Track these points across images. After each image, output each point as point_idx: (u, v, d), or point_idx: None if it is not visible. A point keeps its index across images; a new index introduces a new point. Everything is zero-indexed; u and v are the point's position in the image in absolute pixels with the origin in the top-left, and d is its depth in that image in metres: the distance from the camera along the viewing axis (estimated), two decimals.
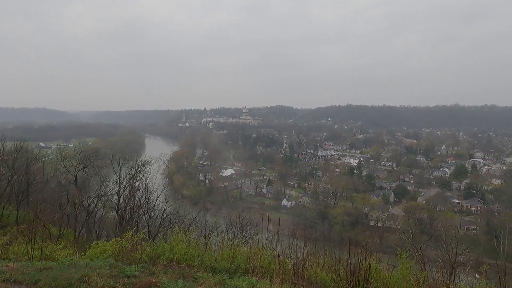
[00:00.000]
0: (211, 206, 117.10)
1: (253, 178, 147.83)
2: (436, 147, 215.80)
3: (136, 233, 13.85)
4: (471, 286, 9.14)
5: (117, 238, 12.19)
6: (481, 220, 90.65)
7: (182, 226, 18.05)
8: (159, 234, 23.80)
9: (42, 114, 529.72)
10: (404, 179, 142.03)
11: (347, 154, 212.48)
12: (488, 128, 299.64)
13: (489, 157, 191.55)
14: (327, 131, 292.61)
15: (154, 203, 28.69)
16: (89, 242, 15.02)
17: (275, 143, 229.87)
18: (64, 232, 20.15)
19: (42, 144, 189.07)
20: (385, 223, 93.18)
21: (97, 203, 28.29)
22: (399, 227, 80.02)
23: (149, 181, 31.15)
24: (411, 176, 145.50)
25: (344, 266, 8.67)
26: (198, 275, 8.50)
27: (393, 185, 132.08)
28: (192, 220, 29.49)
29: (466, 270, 11.22)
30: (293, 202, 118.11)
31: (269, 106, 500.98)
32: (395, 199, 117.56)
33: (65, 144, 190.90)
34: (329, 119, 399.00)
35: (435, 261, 11.55)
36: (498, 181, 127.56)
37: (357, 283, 7.98)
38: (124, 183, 30.78)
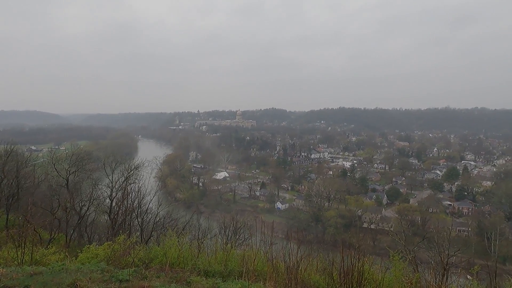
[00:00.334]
0: (205, 209, 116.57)
1: (247, 181, 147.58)
2: (428, 149, 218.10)
3: (129, 237, 13.73)
4: (462, 287, 9.22)
5: (109, 242, 12.06)
6: (472, 221, 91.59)
7: (175, 230, 17.93)
8: (152, 237, 23.63)
9: (33, 117, 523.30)
10: (396, 181, 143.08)
11: (340, 156, 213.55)
12: (478, 130, 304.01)
13: (480, 159, 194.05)
14: (320, 134, 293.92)
15: (147, 207, 28.50)
16: (80, 247, 14.84)
17: (269, 146, 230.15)
18: (55, 236, 19.88)
19: (33, 147, 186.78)
20: (378, 225, 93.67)
21: (89, 206, 28.00)
22: (392, 229, 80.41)
23: (142, 184, 30.95)
24: (404, 178, 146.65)
25: (338, 269, 8.69)
26: (191, 279, 8.44)
27: (386, 187, 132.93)
28: (186, 223, 29.34)
29: (458, 271, 11.34)
30: (287, 204, 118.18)
31: (262, 109, 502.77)
32: (388, 201, 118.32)
33: (57, 147, 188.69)
34: (322, 121, 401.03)
35: (428, 263, 11.65)
36: (489, 183, 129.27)
37: (350, 285, 8.01)
38: (116, 186, 30.53)
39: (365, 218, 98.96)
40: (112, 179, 31.38)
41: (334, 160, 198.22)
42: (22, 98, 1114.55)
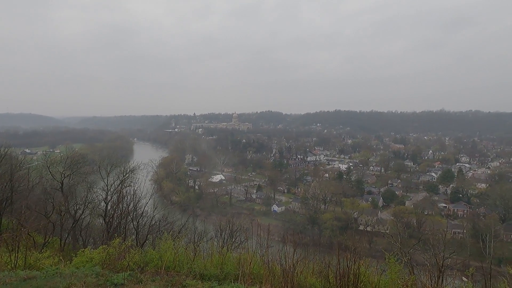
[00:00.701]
0: (201, 212, 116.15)
1: (243, 184, 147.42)
2: (423, 152, 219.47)
3: (124, 240, 13.63)
4: None
5: (104, 246, 11.97)
6: (467, 223, 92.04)
7: (171, 233, 17.84)
8: (147, 241, 23.49)
9: (27, 120, 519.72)
10: (392, 184, 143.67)
11: (336, 159, 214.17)
12: (473, 133, 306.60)
13: (474, 162, 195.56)
14: (316, 137, 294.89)
15: (142, 210, 28.36)
16: (75, 250, 14.71)
17: (265, 149, 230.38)
18: (49, 240, 19.68)
19: (27, 150, 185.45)
20: (374, 228, 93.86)
21: (84, 210, 27.79)
22: (387, 231, 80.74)
23: (137, 188, 30.77)
24: (399, 180, 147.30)
25: (334, 271, 8.69)
26: (186, 283, 8.40)
27: (382, 189, 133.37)
28: (181, 226, 29.25)
29: (453, 273, 11.38)
30: (283, 207, 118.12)
31: (258, 112, 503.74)
32: (384, 204, 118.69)
33: (51, 150, 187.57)
34: (318, 124, 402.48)
35: (423, 265, 11.68)
36: (484, 185, 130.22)
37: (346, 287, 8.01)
38: (111, 189, 30.34)
39: (361, 220, 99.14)
40: (107, 182, 31.19)
41: (330, 162, 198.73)
42: (16, 101, 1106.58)
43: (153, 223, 27.64)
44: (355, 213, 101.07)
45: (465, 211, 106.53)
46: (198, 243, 16.52)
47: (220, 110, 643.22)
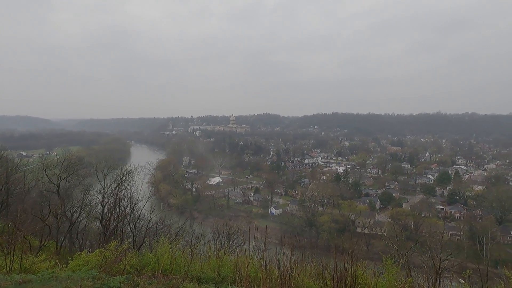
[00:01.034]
0: (198, 214, 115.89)
1: (241, 186, 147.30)
2: (420, 154, 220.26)
3: (121, 243, 13.57)
4: None
5: (100, 249, 11.90)
6: (464, 225, 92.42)
7: (168, 236, 17.79)
8: (144, 244, 23.38)
9: (23, 122, 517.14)
10: (389, 186, 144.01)
11: (333, 161, 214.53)
12: (469, 135, 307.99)
13: (471, 164, 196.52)
14: (313, 139, 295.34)
15: (139, 213, 28.24)
16: (71, 254, 14.60)
17: (262, 151, 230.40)
18: (45, 243, 19.55)
19: (23, 153, 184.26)
20: (372, 230, 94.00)
21: (80, 213, 27.61)
22: (385, 233, 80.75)
23: (134, 190, 30.68)
24: (396, 183, 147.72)
25: (331, 274, 8.67)
26: (184, 286, 8.37)
27: (379, 192, 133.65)
28: (179, 229, 29.13)
29: (451, 275, 11.40)
30: (281, 209, 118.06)
31: (256, 114, 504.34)
32: (381, 206, 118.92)
33: (48, 152, 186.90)
34: (315, 127, 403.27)
35: (421, 267, 11.69)
36: (480, 187, 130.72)
37: None
38: (108, 192, 30.14)
39: (359, 222, 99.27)
40: (104, 185, 30.99)
41: (328, 165, 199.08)
42: (13, 103, 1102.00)
43: (150, 226, 27.49)
44: (352, 216, 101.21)
45: (462, 213, 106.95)
46: (195, 246, 16.45)
47: (218, 112, 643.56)
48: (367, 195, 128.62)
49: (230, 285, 9.05)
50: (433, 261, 10.96)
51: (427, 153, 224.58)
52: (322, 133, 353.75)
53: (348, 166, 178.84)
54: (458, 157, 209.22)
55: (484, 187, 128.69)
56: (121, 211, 25.73)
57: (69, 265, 11.20)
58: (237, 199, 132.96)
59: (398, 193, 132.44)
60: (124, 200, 26.91)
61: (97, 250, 12.09)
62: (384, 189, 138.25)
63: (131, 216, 26.39)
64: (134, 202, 27.80)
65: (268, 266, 9.87)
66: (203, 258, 11.84)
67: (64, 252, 21.33)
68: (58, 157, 57.10)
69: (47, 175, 35.59)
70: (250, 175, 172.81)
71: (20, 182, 36.16)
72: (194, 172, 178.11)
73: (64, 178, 35.42)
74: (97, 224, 28.53)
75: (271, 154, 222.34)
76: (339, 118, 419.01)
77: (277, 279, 8.95)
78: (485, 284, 8.11)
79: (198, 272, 9.98)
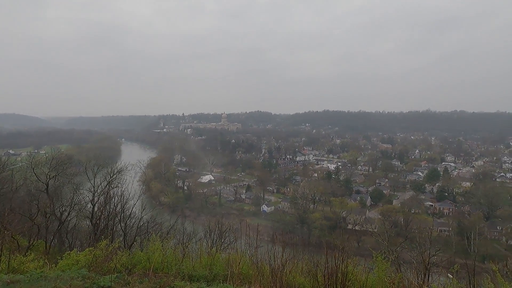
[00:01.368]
0: (190, 212, 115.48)
1: (232, 184, 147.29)
2: (410, 151, 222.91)
3: (111, 242, 13.45)
4: (444, 286, 9.42)
5: (90, 248, 11.78)
6: (452, 221, 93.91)
7: (159, 234, 17.70)
8: (135, 242, 23.22)
9: (11, 120, 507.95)
10: (380, 183, 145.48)
11: (325, 159, 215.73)
12: (458, 133, 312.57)
13: (459, 161, 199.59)
14: (305, 137, 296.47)
15: (130, 211, 28.00)
16: (61, 253, 14.42)
17: (254, 149, 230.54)
18: (34, 243, 19.26)
19: (11, 151, 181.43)
20: (363, 227, 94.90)
21: (70, 212, 27.24)
22: (375, 230, 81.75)
23: (125, 189, 30.36)
24: (387, 180, 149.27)
25: (322, 270, 8.74)
26: (175, 284, 8.34)
27: (370, 189, 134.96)
28: (170, 227, 28.98)
29: (439, 270, 11.59)
30: (273, 207, 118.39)
31: (248, 112, 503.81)
32: (372, 203, 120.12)
33: (36, 151, 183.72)
34: (307, 124, 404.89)
35: (410, 263, 11.86)
36: (468, 183, 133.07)
37: (334, 286, 8.07)
38: (98, 190, 29.84)
39: (350, 219, 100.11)
40: (94, 184, 30.67)
41: (319, 162, 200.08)
42: (0, 101, 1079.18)
43: (141, 224, 27.32)
44: (343, 213, 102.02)
45: (451, 210, 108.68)
46: (187, 244, 16.40)
47: (209, 110, 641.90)
48: (358, 192, 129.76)
49: (222, 283, 9.05)
50: (422, 257, 11.14)
51: (417, 151, 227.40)
52: (314, 131, 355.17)
53: (339, 164, 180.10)
54: (447, 154, 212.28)
55: (472, 183, 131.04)
56: (111, 210, 25.47)
57: (59, 264, 11.05)
58: (229, 197, 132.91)
59: (389, 190, 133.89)
60: (114, 199, 26.63)
61: (87, 249, 11.96)
62: (374, 186, 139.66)
63: (122, 214, 26.13)
64: (124, 201, 27.51)
65: (259, 264, 9.91)
66: (195, 256, 11.83)
67: (53, 251, 21.05)
68: (47, 155, 56.24)
69: (35, 174, 35.03)
70: (242, 173, 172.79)
71: (7, 180, 35.55)
72: (186, 170, 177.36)
73: (53, 176, 34.88)
74: (87, 223, 28.23)
75: (263, 152, 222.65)
76: (330, 115, 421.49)
77: (268, 276, 8.99)
78: (473, 279, 8.27)
79: (189, 270, 9.95)
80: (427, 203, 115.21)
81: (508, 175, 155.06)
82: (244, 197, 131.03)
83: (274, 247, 10.37)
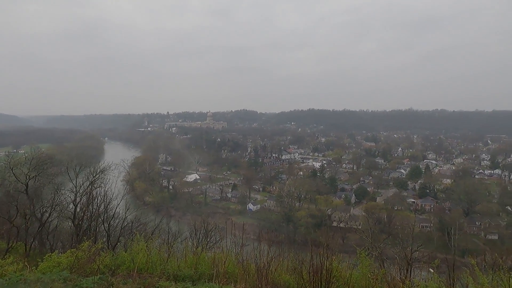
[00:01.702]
0: (175, 212, 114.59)
1: (218, 183, 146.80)
2: (393, 149, 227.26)
3: (94, 243, 13.20)
4: (425, 280, 9.65)
5: (72, 249, 11.52)
6: (434, 217, 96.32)
7: (143, 234, 17.48)
8: (119, 243, 22.86)
9: None
10: (364, 181, 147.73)
11: (310, 157, 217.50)
12: (439, 131, 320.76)
13: (440, 158, 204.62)
14: (291, 135, 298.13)
15: (114, 211, 27.56)
16: (42, 255, 14.06)
17: (240, 147, 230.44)
18: (13, 245, 18.74)
19: None
20: (347, 224, 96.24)
21: (51, 213, 26.58)
22: (360, 227, 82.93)
23: (108, 188, 29.90)
24: (371, 177, 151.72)
25: (307, 268, 8.81)
26: (159, 284, 8.26)
27: (354, 186, 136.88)
28: (155, 227, 28.69)
29: (421, 265, 11.86)
30: (259, 206, 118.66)
31: (233, 110, 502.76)
32: (356, 200, 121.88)
33: (15, 150, 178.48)
34: (292, 123, 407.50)
35: (393, 258, 12.09)
36: (449, 180, 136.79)
37: (319, 283, 8.16)
38: (81, 191, 29.20)
39: (335, 217, 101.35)
40: (76, 184, 29.98)
41: (304, 160, 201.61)
42: None
43: (125, 224, 26.89)
44: (328, 210, 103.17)
45: (432, 206, 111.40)
46: (172, 243, 16.27)
47: (195, 109, 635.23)
48: (342, 190, 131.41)
49: (208, 282, 9.02)
50: (405, 253, 11.37)
51: (400, 149, 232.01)
52: (299, 129, 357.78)
53: (324, 162, 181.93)
54: (428, 152, 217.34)
55: (452, 180, 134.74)
56: (94, 210, 25.03)
57: (39, 267, 10.76)
58: (215, 196, 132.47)
59: (372, 188, 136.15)
60: (97, 199, 26.20)
61: (69, 250, 11.69)
62: (359, 184, 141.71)
63: (105, 215, 25.71)
64: (108, 201, 27.10)
65: (245, 262, 9.91)
66: (180, 255, 11.72)
67: (33, 254, 20.51)
68: (27, 155, 54.62)
69: (14, 174, 33.96)
70: (228, 172, 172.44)
71: None
72: (171, 169, 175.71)
73: (33, 177, 33.91)
74: (69, 224, 27.64)
75: (249, 151, 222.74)
76: (315, 114, 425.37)
77: (254, 275, 9.00)
78: (452, 273, 8.50)
79: (174, 270, 9.87)
80: (410, 200, 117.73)
81: (486, 171, 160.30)
82: (230, 196, 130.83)
83: (260, 245, 10.39)
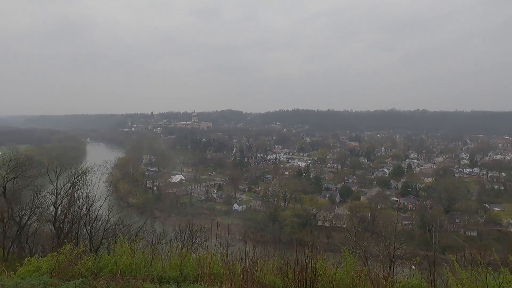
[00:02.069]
0: (160, 213, 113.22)
1: (203, 183, 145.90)
2: (376, 149, 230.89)
3: (76, 246, 12.90)
4: (407, 277, 9.85)
5: (53, 253, 11.22)
6: (416, 215, 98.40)
7: (127, 236, 17.20)
8: (102, 246, 22.47)
9: None
10: (348, 180, 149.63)
11: (295, 157, 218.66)
12: (420, 131, 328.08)
13: (422, 158, 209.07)
14: (276, 135, 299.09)
15: (96, 213, 27.04)
16: (21, 260, 13.65)
17: (225, 148, 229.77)
18: None
19: None
20: (332, 223, 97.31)
21: (30, 215, 25.86)
22: (344, 225, 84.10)
23: (90, 190, 29.25)
24: (355, 177, 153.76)
25: (292, 267, 8.86)
26: (144, 287, 8.16)
27: (339, 186, 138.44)
28: (139, 229, 28.29)
29: (403, 262, 12.12)
30: (244, 206, 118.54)
31: (219, 110, 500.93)
32: (341, 199, 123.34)
33: None
34: (278, 123, 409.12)
35: (376, 256, 12.31)
36: (430, 179, 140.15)
37: (304, 282, 8.22)
38: (62, 193, 28.49)
39: (320, 216, 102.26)
40: (57, 185, 29.24)
41: (290, 160, 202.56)
42: None
43: (108, 227, 26.44)
44: (314, 209, 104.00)
45: (414, 204, 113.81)
46: (156, 245, 16.08)
47: (179, 109, 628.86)
48: (327, 189, 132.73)
49: (193, 284, 8.96)
50: (388, 250, 11.61)
51: (383, 148, 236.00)
52: (284, 130, 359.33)
53: (309, 162, 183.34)
54: (410, 152, 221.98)
55: (433, 179, 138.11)
56: (76, 213, 24.49)
57: (18, 271, 10.43)
58: (200, 197, 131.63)
59: (357, 187, 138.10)
60: (79, 201, 25.63)
61: (49, 254, 11.38)
62: (343, 183, 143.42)
63: (87, 217, 25.20)
64: (90, 203, 26.55)
65: (231, 263, 9.88)
66: (165, 257, 11.60)
67: (12, 258, 19.92)
68: (4, 156, 52.96)
69: None
70: (213, 172, 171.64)
71: None
72: (155, 170, 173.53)
73: (11, 179, 32.96)
74: (50, 227, 26.95)
75: (234, 151, 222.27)
76: (300, 114, 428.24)
77: (239, 275, 8.99)
78: (433, 269, 8.70)
79: (159, 272, 9.76)
80: (393, 198, 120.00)
81: (465, 170, 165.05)
82: (215, 197, 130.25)
83: (245, 245, 10.37)
